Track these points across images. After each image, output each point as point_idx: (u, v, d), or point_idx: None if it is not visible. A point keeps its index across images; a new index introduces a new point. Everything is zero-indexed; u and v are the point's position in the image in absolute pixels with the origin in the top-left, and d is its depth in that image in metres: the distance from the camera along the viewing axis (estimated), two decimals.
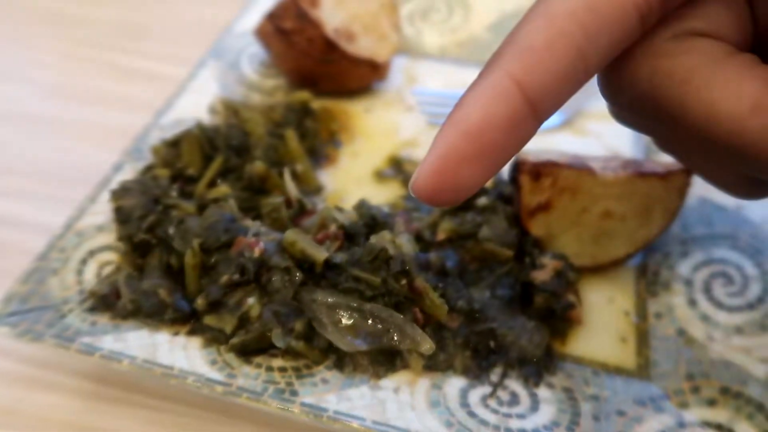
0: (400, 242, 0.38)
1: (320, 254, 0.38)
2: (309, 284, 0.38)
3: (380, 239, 0.39)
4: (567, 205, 0.43)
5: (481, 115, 0.20)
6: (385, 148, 0.54)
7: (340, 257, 0.39)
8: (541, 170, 0.42)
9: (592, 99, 0.57)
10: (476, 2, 0.66)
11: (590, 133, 0.56)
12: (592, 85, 0.59)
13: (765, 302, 0.40)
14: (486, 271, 0.42)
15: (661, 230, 0.43)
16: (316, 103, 0.56)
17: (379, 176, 0.52)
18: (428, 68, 0.62)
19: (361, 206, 0.44)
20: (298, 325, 0.36)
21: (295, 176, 0.49)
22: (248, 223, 0.41)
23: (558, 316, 0.40)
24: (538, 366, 0.38)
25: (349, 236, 0.42)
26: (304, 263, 0.38)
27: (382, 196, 0.50)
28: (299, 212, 0.45)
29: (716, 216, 0.46)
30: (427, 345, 0.36)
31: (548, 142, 0.55)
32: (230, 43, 0.60)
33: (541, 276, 0.40)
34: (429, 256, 0.40)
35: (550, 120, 0.59)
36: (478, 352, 0.38)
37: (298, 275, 0.38)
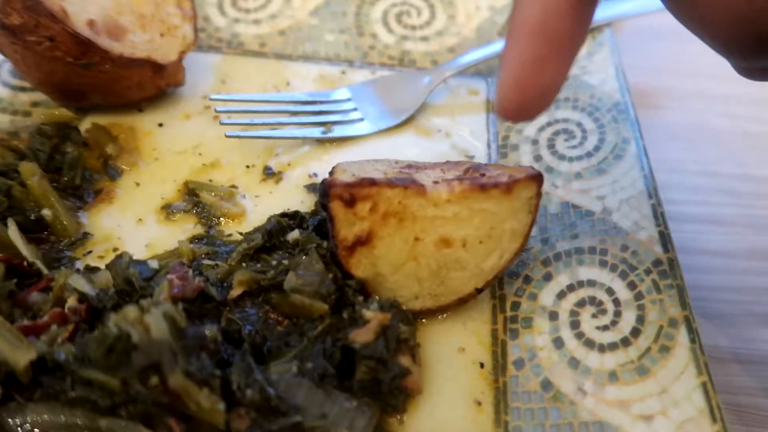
0: (149, 322, 0.27)
1: (21, 356, 0.25)
2: (15, 400, 0.26)
3: (121, 321, 0.27)
4: (394, 234, 0.33)
5: (541, 9, 0.21)
6: (179, 173, 0.42)
7: (64, 352, 0.26)
8: (356, 193, 0.32)
9: (436, 92, 0.48)
10: None
11: (437, 132, 0.46)
12: (440, 73, 0.49)
13: (640, 334, 0.32)
14: (295, 336, 0.32)
15: (514, 255, 0.34)
16: (90, 122, 0.43)
17: (168, 212, 0.40)
18: (245, 65, 0.50)
19: (115, 265, 0.32)
20: None
21: (43, 224, 0.36)
22: None
23: (388, 389, 0.30)
24: None
25: (96, 312, 0.30)
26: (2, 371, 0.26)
27: (172, 236, 0.38)
28: (33, 281, 0.32)
29: (580, 222, 0.38)
30: None
31: (387, 145, 0.45)
32: None
33: (362, 336, 0.30)
34: (202, 330, 0.28)
35: (391, 119, 0.49)
36: None
37: None
